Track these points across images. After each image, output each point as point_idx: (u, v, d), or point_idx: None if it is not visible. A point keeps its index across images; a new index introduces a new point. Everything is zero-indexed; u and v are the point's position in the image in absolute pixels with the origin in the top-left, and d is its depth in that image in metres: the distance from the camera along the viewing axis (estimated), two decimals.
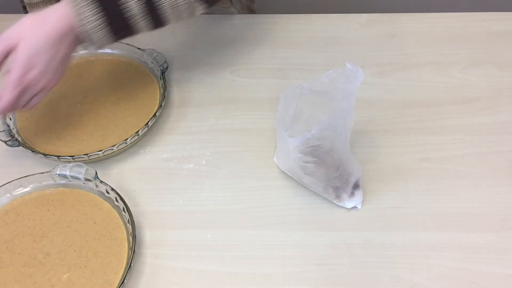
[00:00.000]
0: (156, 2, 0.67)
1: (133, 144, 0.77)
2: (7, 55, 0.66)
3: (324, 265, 0.66)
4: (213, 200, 0.72)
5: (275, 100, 0.69)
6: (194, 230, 0.70)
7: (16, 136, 0.76)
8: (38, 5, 0.86)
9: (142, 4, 0.67)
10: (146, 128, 0.76)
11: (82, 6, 0.65)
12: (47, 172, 0.71)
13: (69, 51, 0.68)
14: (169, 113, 0.82)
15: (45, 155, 0.73)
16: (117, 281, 0.63)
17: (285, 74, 0.86)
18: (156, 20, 0.70)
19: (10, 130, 0.76)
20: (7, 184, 0.71)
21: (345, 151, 0.67)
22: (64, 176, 0.71)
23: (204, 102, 0.83)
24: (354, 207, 0.70)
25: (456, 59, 0.87)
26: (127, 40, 0.85)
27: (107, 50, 0.87)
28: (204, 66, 0.88)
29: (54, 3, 0.68)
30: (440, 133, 0.78)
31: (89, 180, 0.71)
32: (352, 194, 0.70)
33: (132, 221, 0.66)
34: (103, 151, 0.73)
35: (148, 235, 0.69)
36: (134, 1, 0.66)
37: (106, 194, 0.70)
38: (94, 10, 0.65)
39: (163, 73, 0.81)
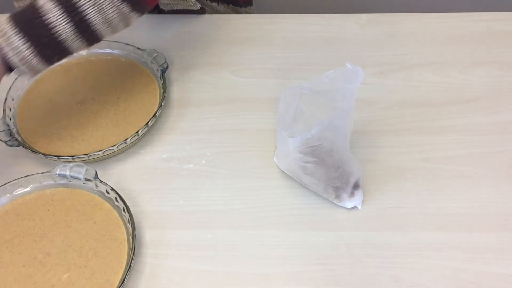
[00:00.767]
0: (86, 21, 0.66)
1: (133, 144, 0.77)
2: None
3: (324, 265, 0.66)
4: (213, 200, 0.72)
5: (275, 100, 0.69)
6: (194, 230, 0.70)
7: (16, 136, 0.76)
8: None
9: (72, 26, 0.65)
10: (146, 128, 0.76)
11: (10, 36, 0.64)
12: (47, 172, 0.71)
13: None
14: (169, 113, 0.82)
15: (45, 155, 0.73)
16: (117, 281, 0.63)
17: (285, 74, 0.86)
18: (91, 38, 0.68)
19: (10, 130, 0.76)
20: (7, 184, 0.71)
21: (345, 151, 0.67)
22: (64, 176, 0.71)
23: (204, 102, 0.83)
24: (354, 207, 0.70)
25: (456, 59, 0.87)
26: (127, 40, 0.86)
27: (107, 50, 0.87)
28: (204, 66, 0.88)
29: None
30: (440, 133, 0.78)
31: (89, 180, 0.71)
32: (352, 194, 0.70)
33: (132, 221, 0.66)
34: (103, 151, 0.73)
35: (148, 235, 0.69)
36: (63, 25, 0.64)
37: (106, 194, 0.70)
38: (22, 40, 0.64)
39: (163, 73, 0.81)
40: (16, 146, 0.74)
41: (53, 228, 0.68)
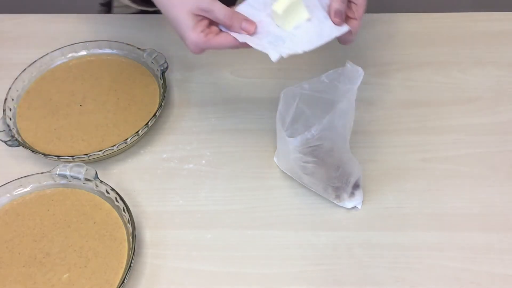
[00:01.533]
0: None
1: (133, 144, 0.77)
2: None
3: (324, 265, 0.66)
4: (213, 200, 0.72)
5: (275, 100, 0.69)
6: (194, 230, 0.70)
7: (16, 136, 0.76)
8: None
9: None
10: (146, 128, 0.76)
11: None
12: (47, 172, 0.71)
13: None
14: (169, 113, 0.82)
15: (45, 155, 0.73)
16: (117, 281, 0.63)
17: (285, 74, 0.86)
18: None
19: (10, 130, 0.76)
20: (7, 184, 0.71)
21: (345, 151, 0.67)
22: (64, 176, 0.71)
23: (204, 102, 0.83)
24: (354, 207, 0.70)
25: (456, 59, 0.87)
26: (127, 40, 0.86)
27: (107, 50, 0.87)
28: (204, 66, 0.88)
29: None
30: (440, 133, 0.78)
31: (89, 180, 0.71)
32: (352, 194, 0.70)
33: (132, 221, 0.66)
34: (103, 151, 0.73)
35: (148, 235, 0.69)
36: None
37: (106, 194, 0.70)
38: None
39: (163, 73, 0.81)
40: (16, 146, 0.74)
41: (53, 228, 0.68)
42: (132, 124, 0.78)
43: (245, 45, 0.64)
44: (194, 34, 0.64)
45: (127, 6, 0.95)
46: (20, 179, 0.71)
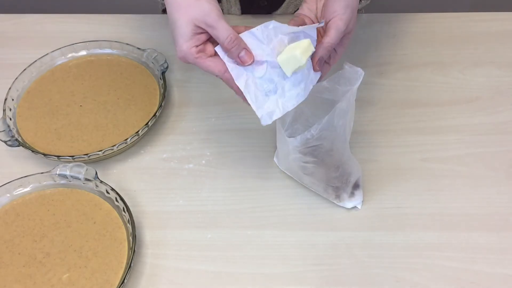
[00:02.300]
0: None
1: (133, 144, 0.77)
2: None
3: (324, 265, 0.66)
4: (213, 200, 0.72)
5: None
6: (194, 230, 0.70)
7: (16, 136, 0.76)
8: None
9: None
10: (146, 128, 0.76)
11: None
12: (47, 172, 0.71)
13: None
14: (169, 113, 0.82)
15: (45, 155, 0.73)
16: (117, 281, 0.63)
17: None
18: None
19: (10, 130, 0.76)
20: (7, 184, 0.71)
21: (345, 151, 0.67)
22: (64, 176, 0.71)
23: (204, 102, 0.83)
24: (354, 207, 0.70)
25: (456, 59, 0.87)
26: (127, 40, 0.86)
27: (107, 50, 0.87)
28: None
29: None
30: (440, 133, 0.78)
31: (89, 180, 0.71)
32: (352, 194, 0.70)
33: (132, 221, 0.66)
34: (103, 151, 0.73)
35: (148, 235, 0.69)
36: None
37: (106, 194, 0.70)
38: None
39: (163, 73, 0.81)
40: (16, 146, 0.74)
41: (53, 228, 0.68)
42: (132, 124, 0.78)
43: (231, 84, 0.61)
44: (186, 45, 0.61)
45: None
46: (20, 179, 0.71)
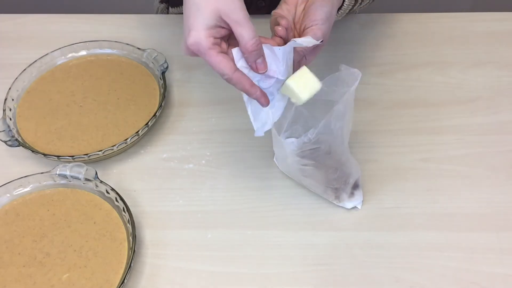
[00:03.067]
0: None
1: (133, 144, 0.77)
2: None
3: (324, 265, 0.66)
4: (213, 200, 0.72)
5: None
6: (194, 230, 0.70)
7: (16, 136, 0.76)
8: None
9: None
10: (146, 128, 0.76)
11: None
12: (47, 172, 0.71)
13: None
14: (169, 113, 0.82)
15: (45, 155, 0.73)
16: (117, 281, 0.63)
17: None
18: None
19: (10, 130, 0.76)
20: (7, 184, 0.71)
21: (343, 152, 0.67)
22: (64, 176, 0.71)
23: (204, 102, 0.83)
24: (354, 207, 0.70)
25: (456, 59, 0.87)
26: (127, 40, 0.86)
27: (107, 50, 0.87)
28: (204, 66, 0.87)
29: None
30: (440, 133, 0.78)
31: (89, 180, 0.71)
32: (351, 194, 0.70)
33: (132, 221, 0.66)
34: (103, 151, 0.73)
35: (148, 235, 0.69)
36: None
37: (106, 194, 0.70)
38: None
39: (163, 73, 0.81)
40: (16, 146, 0.74)
41: (53, 228, 0.68)
42: (132, 124, 0.78)
43: (242, 83, 0.58)
44: (205, 32, 0.55)
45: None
46: (20, 179, 0.71)
